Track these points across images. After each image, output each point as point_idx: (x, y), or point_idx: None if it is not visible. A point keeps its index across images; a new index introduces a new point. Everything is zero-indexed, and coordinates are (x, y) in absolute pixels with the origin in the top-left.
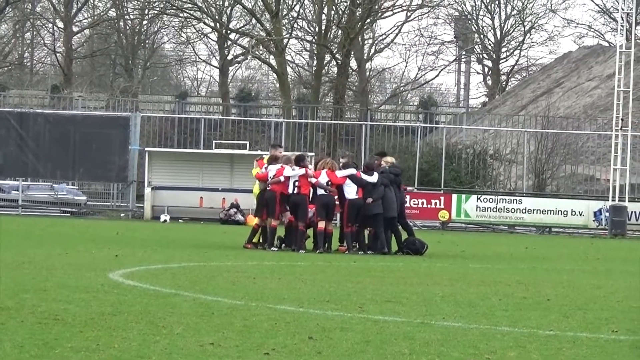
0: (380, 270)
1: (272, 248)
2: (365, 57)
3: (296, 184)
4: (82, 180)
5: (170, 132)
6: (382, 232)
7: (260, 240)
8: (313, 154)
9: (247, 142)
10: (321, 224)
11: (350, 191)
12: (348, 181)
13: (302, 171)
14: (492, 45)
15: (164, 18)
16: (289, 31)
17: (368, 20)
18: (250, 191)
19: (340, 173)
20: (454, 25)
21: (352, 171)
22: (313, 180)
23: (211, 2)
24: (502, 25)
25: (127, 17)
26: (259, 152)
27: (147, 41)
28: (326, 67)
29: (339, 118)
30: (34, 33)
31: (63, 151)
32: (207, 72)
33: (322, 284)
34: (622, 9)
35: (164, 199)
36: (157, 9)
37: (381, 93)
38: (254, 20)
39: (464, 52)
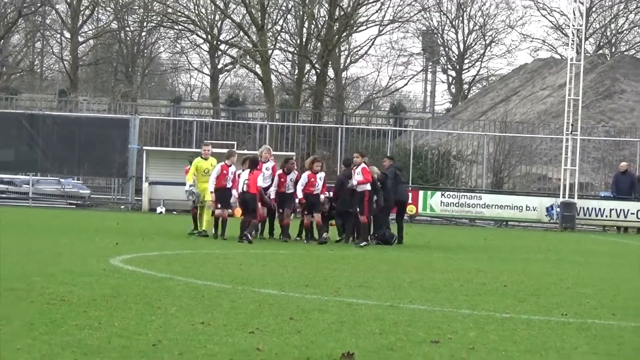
0: (354, 258)
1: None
2: (341, 67)
3: (245, 182)
4: (86, 175)
5: (166, 133)
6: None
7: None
8: (294, 153)
9: (235, 142)
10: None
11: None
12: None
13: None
14: (456, 57)
15: (161, 30)
16: (273, 43)
17: (344, 34)
18: None
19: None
20: (421, 39)
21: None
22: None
23: (203, 15)
24: (465, 39)
25: (127, 28)
26: (245, 151)
27: (145, 51)
28: (306, 76)
29: (318, 121)
30: (44, 43)
31: (69, 149)
32: (200, 79)
33: (301, 270)
34: (573, 26)
35: (159, 192)
36: (155, 21)
37: (355, 99)
38: (241, 33)
39: (430, 63)
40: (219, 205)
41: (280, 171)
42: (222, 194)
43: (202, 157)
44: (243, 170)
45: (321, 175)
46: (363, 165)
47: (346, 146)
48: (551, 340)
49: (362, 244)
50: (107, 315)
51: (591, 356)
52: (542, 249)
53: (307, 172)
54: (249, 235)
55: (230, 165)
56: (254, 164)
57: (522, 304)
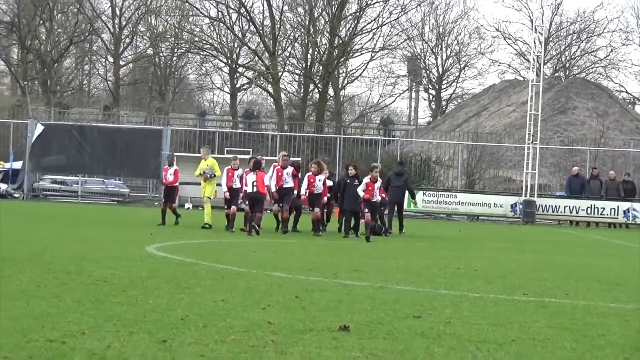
0: (350, 247)
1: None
2: (340, 87)
3: (254, 183)
4: (126, 176)
5: (193, 142)
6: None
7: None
8: (300, 158)
9: (251, 149)
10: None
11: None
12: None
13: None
14: (436, 78)
15: (189, 55)
16: (283, 66)
17: (342, 59)
18: None
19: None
20: (407, 63)
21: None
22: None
23: (224, 43)
24: (443, 63)
25: (161, 54)
26: (259, 156)
27: (175, 72)
28: (310, 94)
29: (320, 132)
30: (91, 66)
31: (112, 155)
32: (221, 96)
33: (306, 257)
34: (534, 52)
35: (187, 191)
36: (184, 48)
37: (351, 114)
38: (256, 58)
39: (414, 84)
40: (227, 204)
41: (278, 167)
42: (230, 193)
43: (203, 159)
44: (251, 171)
45: (321, 177)
46: (380, 183)
47: (343, 153)
48: (514, 315)
49: (370, 239)
50: (143, 294)
51: (548, 329)
52: (507, 240)
53: (308, 174)
54: (257, 228)
55: (236, 169)
56: (257, 165)
57: (491, 285)
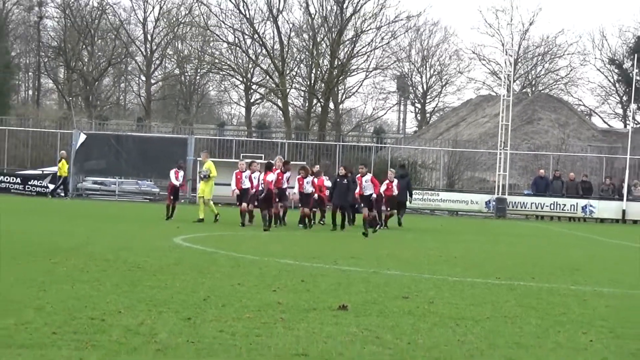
0: (347, 238)
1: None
2: (339, 101)
3: (261, 181)
4: (156, 178)
5: (213, 148)
6: (347, 213)
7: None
8: (305, 162)
9: (262, 155)
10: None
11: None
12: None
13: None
14: (421, 94)
15: (210, 74)
16: (290, 84)
17: (341, 77)
18: None
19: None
20: (396, 81)
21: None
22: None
23: (240, 64)
24: (427, 81)
25: (186, 74)
26: (270, 161)
27: (199, 89)
28: (314, 107)
29: (322, 140)
30: (126, 84)
31: (144, 159)
32: (237, 109)
33: (309, 246)
34: (505, 71)
35: None
36: (206, 68)
37: (349, 124)
38: (268, 77)
39: (402, 98)
40: (239, 202)
41: (278, 171)
42: (240, 193)
43: (203, 161)
44: (260, 173)
45: (308, 180)
46: (371, 175)
47: (342, 158)
48: (488, 296)
49: (375, 231)
50: (171, 278)
51: (517, 308)
52: (482, 232)
53: (297, 177)
54: (268, 228)
55: (244, 171)
56: (268, 166)
57: (468, 271)
